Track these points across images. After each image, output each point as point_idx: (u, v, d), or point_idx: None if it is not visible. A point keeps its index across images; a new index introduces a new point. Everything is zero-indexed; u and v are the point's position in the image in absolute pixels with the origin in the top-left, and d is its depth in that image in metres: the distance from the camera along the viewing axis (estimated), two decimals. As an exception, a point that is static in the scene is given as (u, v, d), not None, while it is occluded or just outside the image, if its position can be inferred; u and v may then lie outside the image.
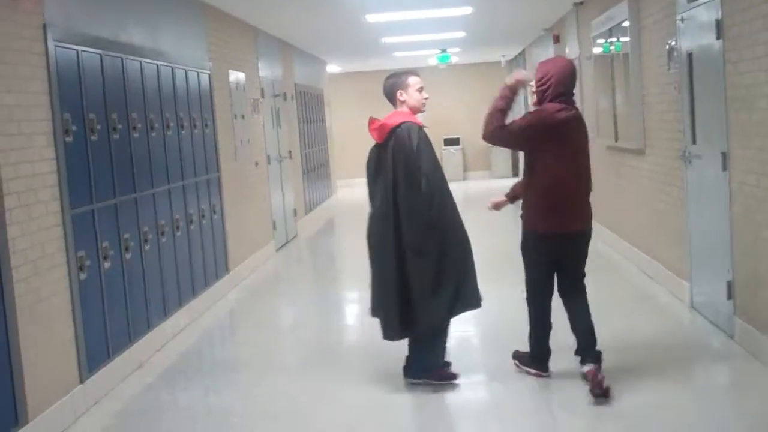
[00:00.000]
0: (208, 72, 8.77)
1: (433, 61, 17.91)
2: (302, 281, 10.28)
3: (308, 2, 9.94)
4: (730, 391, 5.39)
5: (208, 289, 8.15)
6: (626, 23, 8.49)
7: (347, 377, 5.80)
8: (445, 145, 21.39)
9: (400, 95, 5.34)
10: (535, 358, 5.44)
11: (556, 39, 13.31)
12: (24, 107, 4.97)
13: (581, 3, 10.96)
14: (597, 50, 10.21)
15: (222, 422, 5.16)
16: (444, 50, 17.04)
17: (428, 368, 5.38)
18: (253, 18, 10.75)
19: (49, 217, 5.16)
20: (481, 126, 5.30)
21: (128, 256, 6.22)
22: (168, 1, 7.89)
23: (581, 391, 5.21)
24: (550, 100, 5.21)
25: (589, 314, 5.29)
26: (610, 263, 9.13)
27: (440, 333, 5.38)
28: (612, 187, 9.59)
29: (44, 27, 5.27)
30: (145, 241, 6.58)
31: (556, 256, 5.27)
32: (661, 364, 5.60)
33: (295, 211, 13.10)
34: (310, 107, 15.72)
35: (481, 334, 6.63)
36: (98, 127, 5.90)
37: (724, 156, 5.86)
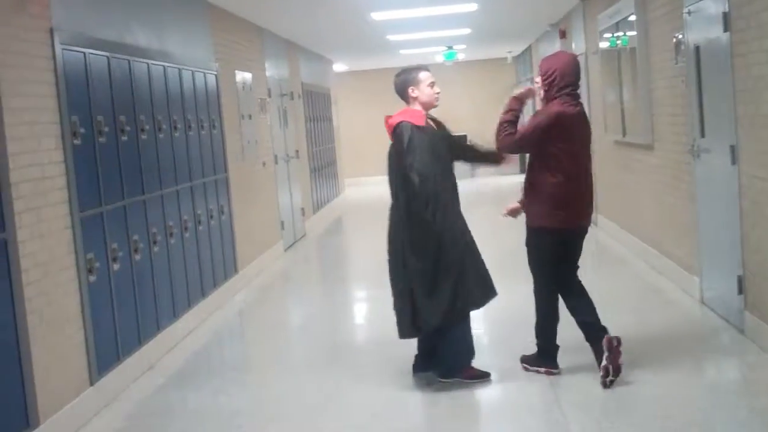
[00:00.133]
0: (215, 73, 8.77)
1: (439, 59, 17.88)
2: (311, 280, 10.29)
3: (313, 1, 9.93)
4: (741, 385, 5.36)
5: (217, 290, 8.15)
6: (633, 17, 8.46)
7: (357, 377, 5.80)
8: (453, 142, 21.34)
9: (412, 91, 5.33)
10: (544, 354, 5.45)
11: (563, 34, 13.27)
12: (32, 110, 4.98)
13: (587, -2, 10.93)
14: (604, 45, 10.18)
15: (232, 423, 5.15)
16: (450, 47, 17.03)
17: (457, 367, 5.37)
18: (259, 18, 10.76)
19: (58, 220, 5.17)
20: (494, 140, 5.40)
21: (137, 257, 6.23)
22: (174, 2, 7.89)
23: (591, 388, 5.22)
24: (556, 95, 5.24)
25: (591, 300, 5.38)
26: (619, 258, 9.11)
27: (458, 331, 5.35)
28: (620, 182, 9.57)
29: (51, 30, 5.28)
30: (154, 242, 6.58)
31: (560, 250, 5.33)
32: (671, 359, 5.58)
33: (302, 211, 13.10)
34: (317, 106, 15.72)
35: (491, 332, 6.62)
36: (106, 129, 5.91)
37: (733, 149, 5.83)
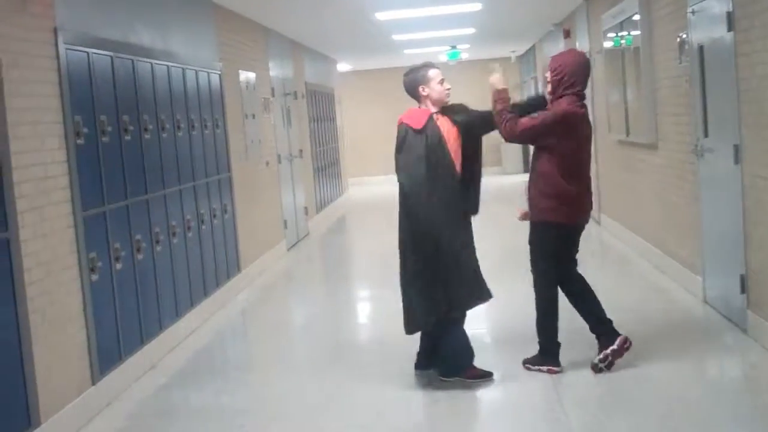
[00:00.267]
0: (219, 72, 8.78)
1: (443, 58, 17.88)
2: (314, 280, 10.29)
3: (318, 1, 9.94)
4: (743, 384, 5.37)
5: (219, 289, 8.16)
6: (637, 17, 8.45)
7: (360, 376, 5.80)
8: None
9: (422, 90, 5.33)
10: (546, 352, 5.47)
11: (567, 34, 13.26)
12: (35, 110, 4.99)
13: (591, -3, 10.92)
14: (608, 44, 10.16)
15: (235, 423, 5.15)
16: (454, 47, 17.02)
17: (459, 366, 5.38)
18: (264, 18, 10.76)
19: (61, 220, 5.18)
20: (501, 130, 5.38)
21: (140, 257, 6.23)
22: (178, 2, 7.90)
23: (593, 386, 5.25)
24: (563, 93, 5.29)
25: (593, 293, 5.47)
26: (622, 258, 9.10)
27: (458, 331, 5.38)
28: (624, 181, 9.56)
29: (55, 30, 5.29)
30: (157, 241, 6.59)
31: (562, 244, 5.42)
32: (673, 357, 5.59)
33: (306, 210, 13.11)
34: (321, 106, 15.73)
35: (492, 331, 6.61)
36: (109, 128, 5.92)
37: (737, 149, 5.82)
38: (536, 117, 5.31)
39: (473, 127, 5.39)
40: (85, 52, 5.67)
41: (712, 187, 6.48)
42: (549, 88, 5.38)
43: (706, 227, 6.67)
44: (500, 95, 5.38)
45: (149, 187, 6.56)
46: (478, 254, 5.38)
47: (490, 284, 5.36)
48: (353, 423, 5.00)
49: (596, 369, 5.35)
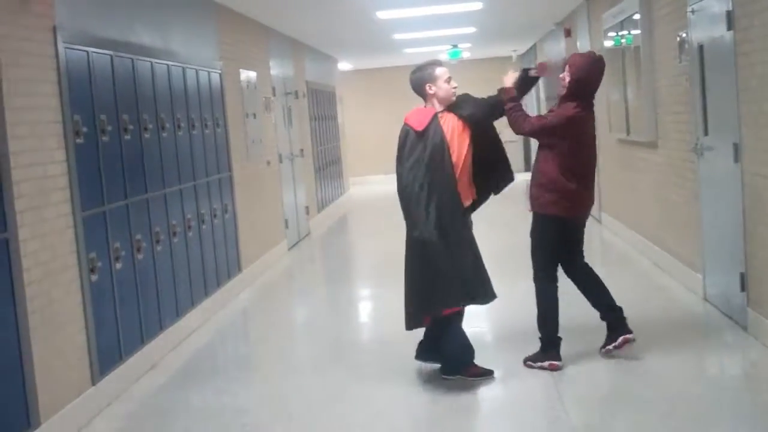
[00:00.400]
0: (219, 71, 8.78)
1: (444, 57, 17.86)
2: (315, 279, 10.29)
3: (319, 0, 9.93)
4: (743, 382, 5.37)
5: (220, 289, 8.16)
6: (637, 16, 8.44)
7: (361, 375, 5.80)
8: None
9: (429, 88, 5.34)
10: (547, 346, 5.52)
11: (568, 33, 13.25)
12: (34, 109, 4.99)
13: (592, -4, 10.91)
14: (608, 43, 10.15)
15: (236, 422, 5.15)
16: (455, 46, 17.01)
17: (460, 365, 5.40)
18: (264, 17, 10.76)
19: (60, 220, 5.18)
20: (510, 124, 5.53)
21: (140, 257, 6.23)
22: (178, 1, 7.90)
23: (595, 384, 5.27)
24: (576, 97, 5.42)
25: (598, 282, 5.64)
26: (623, 256, 9.10)
27: (458, 329, 5.40)
28: (624, 180, 9.55)
29: (54, 29, 5.28)
30: (157, 241, 6.59)
31: (562, 237, 5.53)
32: (674, 355, 5.59)
33: (307, 209, 13.11)
34: (322, 105, 15.72)
35: (493, 329, 6.61)
36: (109, 128, 5.91)
37: (736, 147, 5.82)
38: (544, 117, 5.50)
39: (482, 116, 5.40)
40: (84, 51, 5.67)
41: (712, 186, 6.47)
42: (563, 90, 5.48)
43: (706, 225, 6.67)
44: (508, 93, 5.48)
45: (149, 186, 6.56)
46: (481, 251, 5.37)
47: (492, 281, 5.36)
48: (354, 422, 5.01)
49: (602, 352, 5.59)
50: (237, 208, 8.98)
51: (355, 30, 13.21)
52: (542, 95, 18.11)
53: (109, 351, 5.64)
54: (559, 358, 5.48)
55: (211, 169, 8.20)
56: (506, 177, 5.51)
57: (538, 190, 5.48)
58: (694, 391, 5.02)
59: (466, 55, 18.70)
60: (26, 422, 4.61)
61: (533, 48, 18.97)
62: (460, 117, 5.32)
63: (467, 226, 5.36)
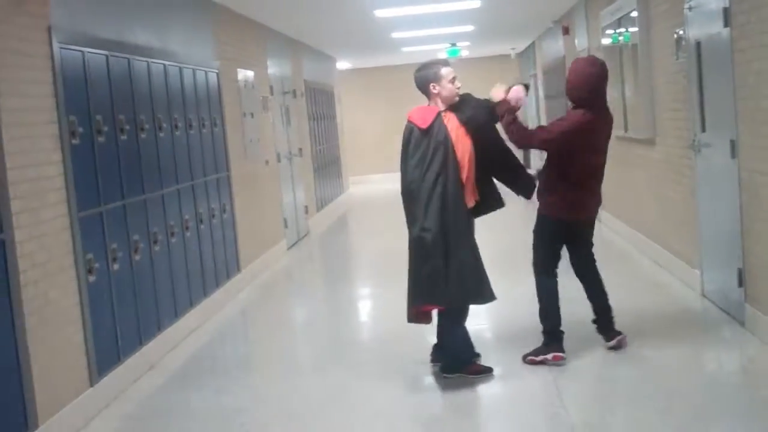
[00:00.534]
0: (217, 71, 8.77)
1: (442, 56, 17.85)
2: (314, 279, 10.28)
3: (316, -1, 9.93)
4: (741, 378, 5.37)
5: (219, 289, 8.15)
6: (635, 13, 8.44)
7: (361, 374, 5.80)
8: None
9: (433, 88, 5.33)
10: (550, 338, 5.57)
11: (566, 30, 13.24)
12: (30, 110, 4.98)
13: (589, -7, 10.90)
14: (606, 41, 10.14)
15: (235, 422, 5.14)
16: (453, 44, 17.00)
17: (460, 362, 5.41)
18: (262, 16, 10.75)
19: (57, 221, 5.17)
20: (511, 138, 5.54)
21: (137, 257, 6.22)
22: (175, 0, 7.88)
23: (594, 381, 5.29)
24: (577, 101, 5.48)
25: (597, 283, 5.73)
26: (621, 253, 9.09)
27: (458, 328, 5.41)
28: (622, 177, 9.54)
29: (49, 29, 5.28)
30: (155, 242, 6.58)
31: (563, 236, 5.63)
32: (672, 352, 5.59)
33: (306, 209, 13.10)
34: (320, 104, 15.71)
35: (493, 328, 6.61)
36: (105, 128, 5.90)
37: (733, 144, 5.82)
38: (548, 128, 5.52)
39: (482, 120, 5.37)
40: (80, 51, 5.66)
41: (709, 182, 6.47)
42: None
43: (704, 222, 6.67)
44: (501, 108, 5.42)
45: (146, 187, 6.55)
46: (480, 251, 5.37)
47: (492, 281, 5.36)
48: (354, 421, 5.01)
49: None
50: (235, 208, 8.97)
51: (354, 29, 13.20)
52: (541, 93, 18.11)
53: (107, 352, 5.63)
54: (562, 350, 5.51)
55: (209, 168, 8.19)
56: (529, 184, 5.53)
57: (542, 189, 5.57)
58: (691, 387, 5.01)
59: (464, 53, 18.69)
60: (24, 424, 4.61)
61: (532, 46, 18.97)
62: (460, 120, 5.31)
63: (469, 226, 5.34)
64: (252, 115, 10.13)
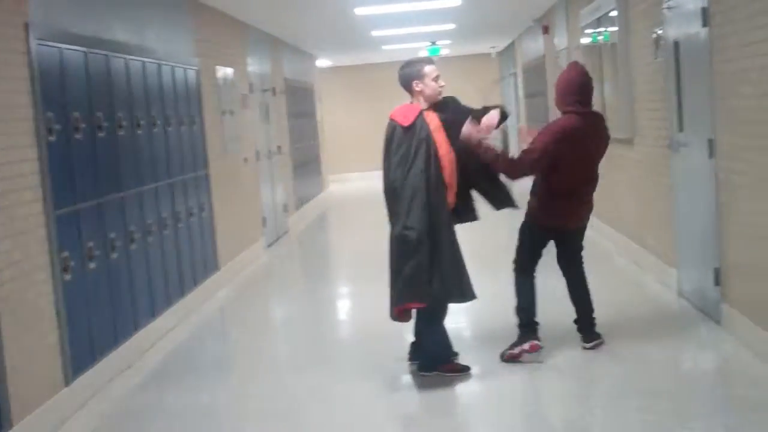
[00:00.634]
0: (196, 68, 8.72)
1: (423, 54, 17.86)
2: (293, 277, 10.25)
3: (296, -3, 9.90)
4: (717, 376, 5.40)
5: (197, 288, 8.10)
6: (614, 13, 8.46)
7: (339, 374, 5.79)
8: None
9: (416, 85, 5.32)
10: (525, 329, 5.62)
11: (546, 30, 13.28)
12: (6, 107, 4.93)
13: (569, -7, 10.93)
14: (586, 40, 10.18)
15: (213, 422, 5.12)
16: (434, 43, 17.01)
17: (437, 361, 5.41)
18: (242, 13, 10.70)
19: (32, 219, 5.12)
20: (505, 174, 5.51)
21: (114, 256, 6.17)
22: (153, -3, 7.84)
23: (571, 380, 5.30)
24: (563, 108, 5.54)
25: (581, 285, 5.75)
26: (600, 252, 9.11)
27: (436, 326, 5.40)
28: (601, 176, 9.56)
29: (26, 25, 5.22)
30: (132, 240, 6.53)
31: (558, 239, 5.69)
32: (649, 350, 5.62)
33: (285, 207, 13.06)
34: (300, 102, 15.67)
35: (472, 327, 6.61)
36: (82, 125, 5.85)
37: (711, 143, 5.85)
38: (536, 148, 5.42)
39: (458, 124, 5.31)
40: (57, 47, 5.61)
41: (687, 181, 6.50)
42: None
43: (681, 221, 6.70)
44: (479, 147, 5.32)
45: (124, 184, 6.51)
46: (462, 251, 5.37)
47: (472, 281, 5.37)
48: (334, 419, 5.00)
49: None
50: (214, 206, 8.92)
51: (333, 27, 13.18)
52: (521, 93, 18.15)
53: (83, 351, 5.58)
54: (538, 339, 5.55)
55: (188, 166, 8.14)
56: (505, 199, 5.49)
57: (530, 196, 5.65)
58: (669, 386, 5.03)
59: (445, 52, 18.71)
60: (-2, 423, 4.57)
61: (512, 44, 19.00)
62: (441, 120, 5.31)
63: (451, 224, 5.33)
64: (231, 112, 10.09)
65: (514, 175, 5.45)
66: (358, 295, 8.59)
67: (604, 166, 5.86)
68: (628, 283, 7.66)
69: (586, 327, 5.72)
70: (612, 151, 9.05)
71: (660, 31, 6.97)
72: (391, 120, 5.32)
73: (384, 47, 17.06)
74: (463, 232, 5.45)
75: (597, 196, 5.81)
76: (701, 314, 6.26)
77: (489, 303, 6.73)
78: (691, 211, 6.43)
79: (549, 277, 5.85)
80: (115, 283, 6.18)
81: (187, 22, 8.76)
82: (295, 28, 12.95)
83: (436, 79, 5.33)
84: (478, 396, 5.27)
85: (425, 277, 5.14)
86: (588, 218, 5.80)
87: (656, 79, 7.24)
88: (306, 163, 15.76)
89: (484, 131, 5.27)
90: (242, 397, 5.61)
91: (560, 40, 11.96)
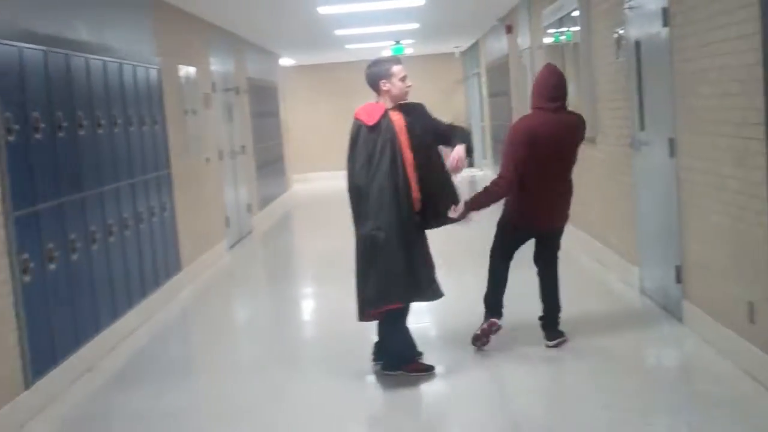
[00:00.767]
0: (157, 67, 8.64)
1: (387, 54, 17.86)
2: (257, 278, 10.20)
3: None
4: (679, 373, 5.47)
5: (159, 289, 8.02)
6: (576, 13, 8.51)
7: (304, 375, 5.77)
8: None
9: (384, 85, 5.30)
10: (489, 311, 5.72)
11: (509, 29, 13.34)
12: (-39, 107, 4.85)
13: (532, -7, 10.99)
14: (549, 40, 10.23)
15: (175, 425, 5.07)
16: (398, 42, 17.01)
17: (401, 360, 5.40)
18: (204, 12, 10.62)
19: (-10, 220, 5.04)
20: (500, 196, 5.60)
21: (74, 257, 6.09)
22: (114, -5, 7.76)
23: (536, 379, 5.32)
24: (534, 107, 5.65)
25: (551, 284, 5.80)
26: (564, 251, 9.15)
27: (399, 325, 5.39)
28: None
29: (-17, 24, 5.15)
30: (93, 241, 6.45)
31: (511, 239, 5.74)
32: (612, 348, 5.66)
33: (249, 207, 12.99)
34: (264, 101, 15.60)
35: (437, 326, 6.62)
36: (42, 125, 5.77)
37: (672, 142, 5.91)
38: (504, 164, 5.54)
39: (421, 130, 5.31)
40: (15, 46, 5.52)
41: (648, 180, 6.57)
42: None
43: (643, 219, 6.77)
44: (464, 211, 5.37)
45: (85, 185, 6.43)
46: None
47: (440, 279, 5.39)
48: (297, 420, 4.97)
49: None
50: (176, 206, 8.84)
51: (297, 25, 13.12)
52: (484, 92, 18.23)
53: (43, 354, 5.49)
54: (498, 317, 5.68)
55: (149, 166, 8.06)
56: (437, 219, 5.39)
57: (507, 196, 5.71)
58: (631, 384, 5.07)
59: (409, 51, 18.71)
60: (-45, 429, 4.49)
61: (476, 44, 19.07)
62: (407, 122, 5.30)
63: (417, 223, 5.32)
64: (194, 112, 10.01)
65: (496, 200, 5.56)
66: (321, 295, 8.56)
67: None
68: (591, 282, 7.72)
69: (551, 325, 5.75)
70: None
71: (621, 31, 7.02)
72: (356, 119, 5.30)
73: (348, 46, 17.02)
74: (426, 232, 5.46)
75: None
76: (664, 312, 6.32)
77: (453, 302, 6.73)
78: (653, 210, 6.49)
79: (518, 272, 5.85)
80: (76, 285, 6.10)
81: (148, 20, 8.68)
82: (259, 27, 12.88)
83: (403, 79, 5.33)
84: (442, 395, 5.28)
85: (401, 277, 5.14)
86: (561, 221, 5.84)
87: (618, 78, 7.30)
88: (270, 163, 15.69)
89: (453, 164, 5.28)
90: (205, 398, 5.57)
91: (523, 40, 12.01)
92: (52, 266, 5.72)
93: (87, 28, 6.89)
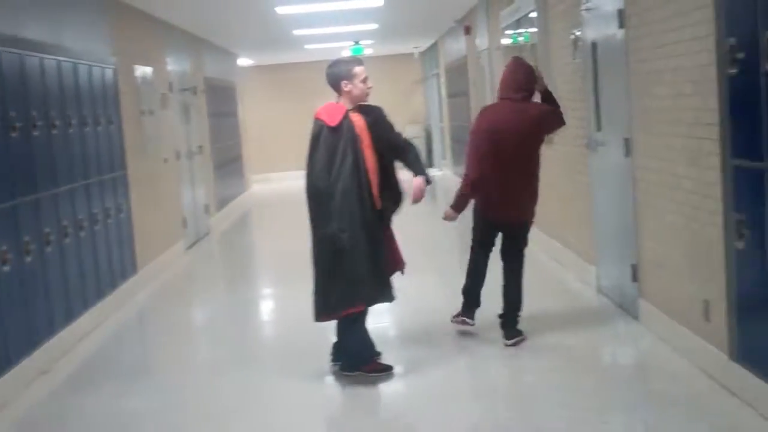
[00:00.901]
0: (113, 67, 8.54)
1: (346, 54, 17.83)
2: (215, 279, 10.12)
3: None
4: (636, 371, 5.51)
5: (115, 291, 7.93)
6: (533, 14, 8.57)
7: (262, 375, 5.73)
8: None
9: (345, 85, 5.28)
10: (465, 305, 5.86)
11: (467, 30, 13.40)
12: None
13: (490, -6, 11.04)
14: (506, 41, 10.29)
15: (133, 426, 5.02)
16: (357, 42, 17.00)
17: (360, 361, 5.39)
18: (161, 11, 10.53)
19: (-59, 221, 4.94)
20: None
21: (28, 259, 5.99)
22: (68, -6, 7.65)
23: (495, 379, 5.37)
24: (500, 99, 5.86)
25: (513, 280, 5.86)
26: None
27: (358, 326, 5.38)
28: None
29: (-68, 22, 5.05)
30: (47, 243, 6.36)
31: (482, 230, 5.91)
32: (568, 347, 5.71)
33: (206, 208, 12.89)
34: (221, 101, 15.50)
35: (395, 326, 6.62)
36: (-6, 125, 5.68)
37: (627, 142, 5.97)
38: (468, 162, 5.80)
39: (381, 132, 5.34)
40: (-33, 46, 5.43)
41: (604, 180, 6.63)
42: None
43: (599, 218, 6.83)
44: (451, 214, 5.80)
45: (39, 186, 6.33)
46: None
47: (396, 279, 5.40)
48: (255, 421, 4.93)
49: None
50: (132, 207, 8.75)
51: (255, 25, 13.06)
52: (443, 93, 18.28)
53: (-4, 357, 5.41)
54: (470, 317, 5.84)
55: (105, 167, 7.96)
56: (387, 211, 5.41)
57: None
58: (588, 382, 5.11)
59: (368, 51, 18.72)
60: None
61: (435, 45, 19.12)
62: (367, 122, 5.29)
63: (378, 225, 5.32)
64: (150, 112, 9.91)
65: (471, 192, 5.74)
66: (280, 296, 8.53)
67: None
68: (549, 281, 7.77)
69: (510, 324, 5.79)
70: (532, 150, 9.22)
71: (578, 33, 7.08)
72: (317, 119, 5.28)
73: (306, 46, 16.98)
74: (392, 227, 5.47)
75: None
76: (620, 310, 6.38)
77: (412, 303, 6.76)
78: (609, 209, 6.55)
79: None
80: (30, 287, 6.01)
81: (104, 20, 8.58)
82: (216, 27, 12.80)
83: (365, 80, 5.32)
84: (400, 395, 5.28)
85: (366, 279, 5.15)
86: (525, 215, 5.95)
87: (575, 79, 7.36)
88: (228, 163, 15.59)
89: (418, 200, 5.36)
90: (163, 401, 5.49)
91: (482, 41, 12.07)
92: (6, 268, 5.63)
93: (41, 28, 6.79)
